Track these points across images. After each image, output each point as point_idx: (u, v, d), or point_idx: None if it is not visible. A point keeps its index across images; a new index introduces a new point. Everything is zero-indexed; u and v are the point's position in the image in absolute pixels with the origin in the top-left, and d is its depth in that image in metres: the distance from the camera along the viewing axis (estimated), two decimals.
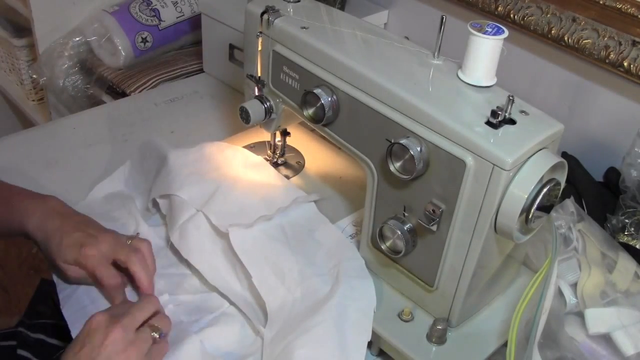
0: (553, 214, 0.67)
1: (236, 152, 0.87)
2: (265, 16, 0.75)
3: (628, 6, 0.83)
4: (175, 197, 0.78)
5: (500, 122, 0.58)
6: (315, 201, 0.80)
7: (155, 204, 0.82)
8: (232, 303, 0.73)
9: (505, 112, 0.58)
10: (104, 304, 0.72)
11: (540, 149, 0.59)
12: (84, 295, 0.73)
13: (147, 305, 0.67)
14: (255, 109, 0.81)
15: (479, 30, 0.60)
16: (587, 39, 0.87)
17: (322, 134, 0.75)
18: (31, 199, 0.76)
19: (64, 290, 0.74)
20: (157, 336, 0.65)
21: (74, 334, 0.69)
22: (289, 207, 0.77)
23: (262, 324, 0.69)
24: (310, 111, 0.72)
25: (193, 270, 0.76)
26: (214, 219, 0.75)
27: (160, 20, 1.28)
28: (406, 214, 0.66)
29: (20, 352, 0.85)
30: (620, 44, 0.84)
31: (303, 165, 0.93)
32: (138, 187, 0.86)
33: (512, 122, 0.59)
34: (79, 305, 0.72)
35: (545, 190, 0.58)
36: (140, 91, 1.20)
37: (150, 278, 0.72)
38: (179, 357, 0.65)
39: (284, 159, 0.92)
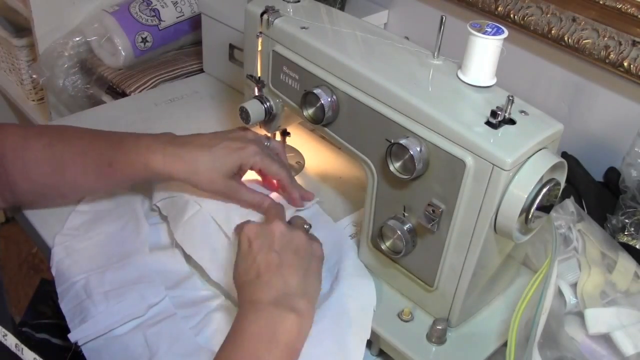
0: (553, 214, 0.67)
1: None
2: (265, 16, 0.75)
3: (628, 6, 0.83)
4: (178, 197, 0.78)
5: (500, 122, 0.58)
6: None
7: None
8: (233, 299, 0.73)
9: (505, 112, 0.58)
10: (102, 299, 0.71)
11: (540, 149, 0.59)
12: (81, 290, 0.73)
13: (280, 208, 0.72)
14: (255, 109, 0.81)
15: (479, 30, 0.60)
16: (587, 39, 0.87)
17: (322, 134, 0.75)
18: (141, 136, 0.76)
19: (62, 285, 0.74)
20: (308, 227, 0.70)
21: (71, 328, 0.69)
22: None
23: None
24: (310, 111, 0.72)
25: (195, 270, 0.77)
26: (219, 218, 0.75)
27: (160, 20, 1.28)
28: (406, 214, 0.66)
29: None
30: (620, 44, 0.84)
31: (303, 165, 0.93)
32: (143, 185, 0.86)
33: (512, 122, 0.59)
34: (77, 299, 0.72)
35: (545, 190, 0.58)
36: (140, 91, 1.20)
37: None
38: (173, 351, 0.66)
39: None
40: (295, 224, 0.70)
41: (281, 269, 0.62)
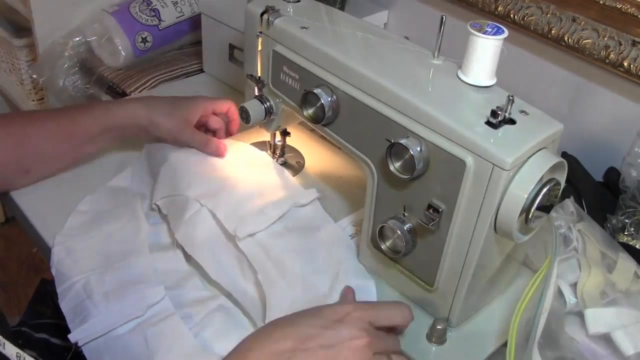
0: (553, 214, 0.67)
1: (241, 150, 0.87)
2: (265, 16, 0.75)
3: (628, 6, 0.83)
4: (178, 196, 0.78)
5: (500, 122, 0.58)
6: (318, 199, 0.80)
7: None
8: (232, 299, 0.73)
9: (505, 112, 0.58)
10: (101, 299, 0.71)
11: (540, 149, 0.59)
12: (81, 290, 0.73)
13: (396, 316, 0.61)
14: (255, 109, 0.81)
15: (479, 30, 0.60)
16: (587, 39, 0.87)
17: (322, 134, 0.75)
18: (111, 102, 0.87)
19: (62, 285, 0.74)
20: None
21: (72, 328, 0.69)
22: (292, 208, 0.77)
23: (262, 320, 0.69)
24: (310, 111, 0.72)
25: (195, 270, 0.76)
26: (221, 216, 0.75)
27: (160, 20, 1.28)
28: (406, 214, 0.66)
29: (26, 351, 0.85)
30: (620, 44, 0.84)
31: (303, 165, 0.93)
32: (143, 186, 0.86)
33: (512, 122, 0.59)
34: (77, 299, 0.72)
35: (545, 190, 0.58)
36: (140, 91, 1.20)
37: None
38: (173, 351, 0.66)
39: (284, 159, 0.92)
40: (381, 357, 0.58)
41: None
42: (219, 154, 0.84)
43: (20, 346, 0.84)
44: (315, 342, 0.54)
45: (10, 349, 0.55)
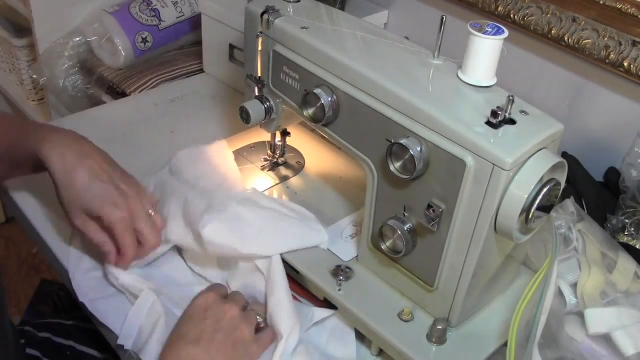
0: (553, 214, 0.67)
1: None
2: (265, 16, 0.75)
3: (628, 6, 0.83)
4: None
5: (500, 122, 0.58)
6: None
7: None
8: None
9: (505, 112, 0.58)
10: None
11: (540, 149, 0.59)
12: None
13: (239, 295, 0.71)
14: (255, 109, 0.81)
15: (479, 30, 0.60)
16: (587, 39, 0.87)
17: (322, 134, 0.75)
18: (49, 127, 0.75)
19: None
20: (260, 320, 0.69)
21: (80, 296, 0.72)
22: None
23: None
24: (310, 111, 0.72)
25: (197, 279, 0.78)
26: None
27: (160, 20, 1.28)
28: (406, 214, 0.66)
29: (30, 350, 0.85)
30: (620, 44, 0.84)
31: (303, 165, 0.93)
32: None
33: (512, 122, 0.59)
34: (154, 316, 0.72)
35: (545, 190, 0.58)
36: (140, 91, 1.20)
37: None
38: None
39: (284, 159, 0.92)
40: (249, 312, 0.69)
41: (212, 350, 0.63)
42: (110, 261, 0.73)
43: (24, 345, 0.85)
44: (210, 335, 0.64)
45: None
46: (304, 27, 0.73)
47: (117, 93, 1.25)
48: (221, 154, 0.86)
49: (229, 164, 0.85)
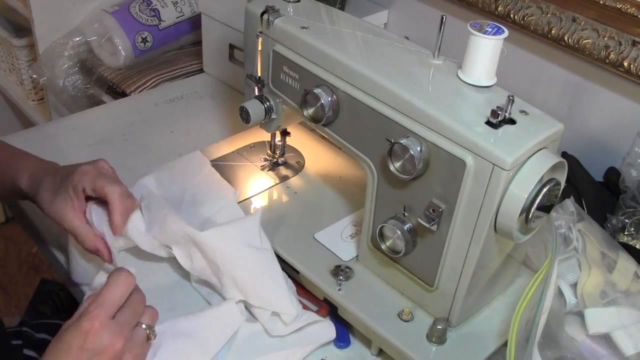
0: (553, 214, 0.67)
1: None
2: (265, 16, 0.75)
3: (628, 6, 0.83)
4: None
5: (500, 122, 0.58)
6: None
7: None
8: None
9: (505, 112, 0.58)
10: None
11: (540, 149, 0.59)
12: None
13: (119, 288, 0.61)
14: (255, 109, 0.81)
15: (479, 30, 0.60)
16: (587, 39, 0.87)
17: (322, 134, 0.75)
18: (30, 157, 0.77)
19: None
20: (152, 337, 0.63)
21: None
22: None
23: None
24: (310, 111, 0.72)
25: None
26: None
27: (160, 20, 1.28)
28: (406, 214, 0.66)
29: (27, 351, 0.85)
30: (620, 44, 0.84)
31: (303, 165, 0.93)
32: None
33: (512, 122, 0.59)
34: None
35: (545, 190, 0.58)
36: (140, 91, 1.20)
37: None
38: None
39: (284, 159, 0.92)
40: (136, 333, 0.61)
41: None
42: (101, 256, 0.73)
43: (22, 346, 0.85)
44: None
45: None
46: (304, 27, 0.73)
47: (117, 93, 1.25)
48: (199, 165, 0.85)
49: (210, 175, 0.84)
